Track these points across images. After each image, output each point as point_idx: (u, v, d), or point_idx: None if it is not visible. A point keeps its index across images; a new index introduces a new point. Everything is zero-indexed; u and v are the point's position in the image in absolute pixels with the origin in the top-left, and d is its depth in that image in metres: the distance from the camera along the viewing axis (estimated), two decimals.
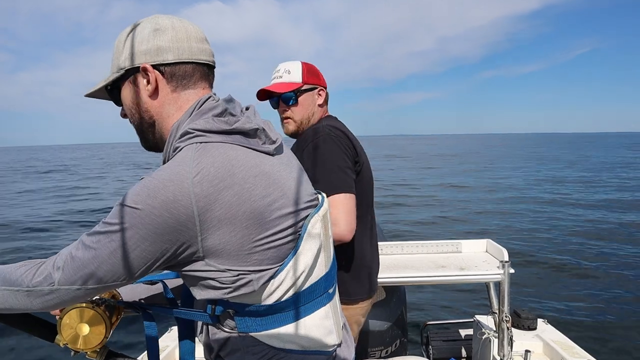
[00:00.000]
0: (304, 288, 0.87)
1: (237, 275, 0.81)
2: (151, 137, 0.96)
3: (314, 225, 0.89)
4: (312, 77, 1.66)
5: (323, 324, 0.91)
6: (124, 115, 0.98)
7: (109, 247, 0.77)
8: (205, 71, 0.94)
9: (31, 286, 0.81)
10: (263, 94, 1.67)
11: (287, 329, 0.87)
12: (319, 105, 1.68)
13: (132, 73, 0.91)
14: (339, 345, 0.97)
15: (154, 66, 0.89)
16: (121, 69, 0.91)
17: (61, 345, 0.99)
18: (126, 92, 0.94)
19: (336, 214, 1.40)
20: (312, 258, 0.87)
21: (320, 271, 0.90)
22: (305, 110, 1.65)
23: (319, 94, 1.67)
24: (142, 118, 0.94)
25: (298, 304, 0.87)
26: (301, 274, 0.86)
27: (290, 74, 1.63)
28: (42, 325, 1.01)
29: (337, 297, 1.00)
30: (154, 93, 0.91)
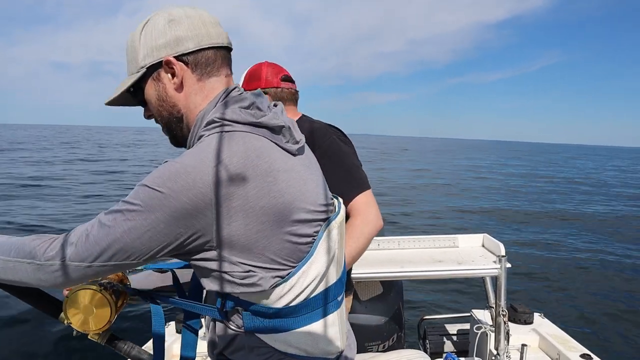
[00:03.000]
0: (314, 294, 0.86)
1: (248, 270, 0.80)
2: (180, 132, 0.94)
3: (331, 231, 0.87)
4: (252, 83, 1.65)
5: (329, 331, 0.90)
6: (148, 117, 0.97)
7: (124, 225, 0.76)
8: (226, 55, 0.93)
9: (43, 260, 0.80)
10: None
11: (294, 333, 0.86)
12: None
13: (153, 70, 0.90)
14: (343, 351, 0.96)
15: (177, 57, 0.88)
16: (142, 67, 0.89)
17: (65, 323, 0.99)
18: (150, 90, 0.92)
19: (369, 208, 1.47)
20: (325, 265, 0.86)
21: (331, 278, 0.89)
22: None
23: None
24: (171, 114, 0.92)
25: (307, 310, 0.86)
26: (313, 280, 0.84)
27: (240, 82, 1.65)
28: (49, 301, 1.02)
29: (344, 304, 0.98)
30: (180, 85, 0.89)
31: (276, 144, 0.84)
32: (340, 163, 1.50)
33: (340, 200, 1.00)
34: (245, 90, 1.70)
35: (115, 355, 1.10)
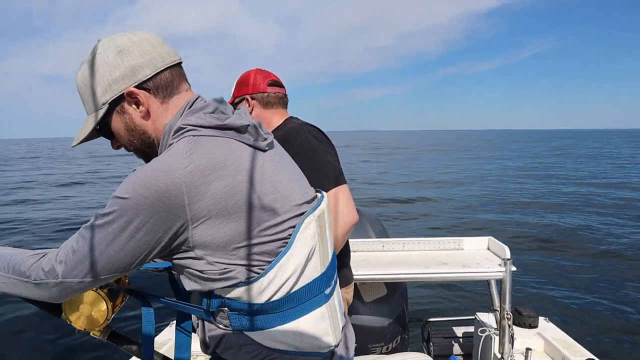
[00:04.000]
0: (296, 288, 0.86)
1: (224, 267, 0.81)
2: (155, 155, 0.95)
3: (308, 225, 0.88)
4: (241, 89, 1.70)
5: (318, 325, 0.90)
6: (117, 147, 0.98)
7: (106, 238, 0.79)
8: (180, 71, 0.95)
9: (38, 279, 0.83)
10: None
11: (280, 329, 0.86)
12: (250, 112, 1.69)
13: (116, 104, 0.90)
14: (336, 346, 0.96)
15: (137, 87, 0.88)
16: (104, 104, 0.90)
17: (68, 322, 1.03)
18: (117, 123, 0.93)
19: (343, 202, 1.49)
20: (304, 258, 0.86)
21: (314, 272, 0.89)
22: None
23: (249, 103, 1.69)
24: (142, 141, 0.94)
25: (291, 304, 0.86)
26: (292, 274, 0.85)
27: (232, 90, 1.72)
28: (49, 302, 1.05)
29: (336, 298, 0.98)
30: (147, 113, 0.90)
31: (245, 143, 0.86)
32: (311, 159, 1.50)
33: (324, 193, 1.01)
34: (233, 96, 1.63)
35: (116, 351, 1.13)
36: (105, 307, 1.02)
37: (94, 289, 1.00)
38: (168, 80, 0.91)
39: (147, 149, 0.96)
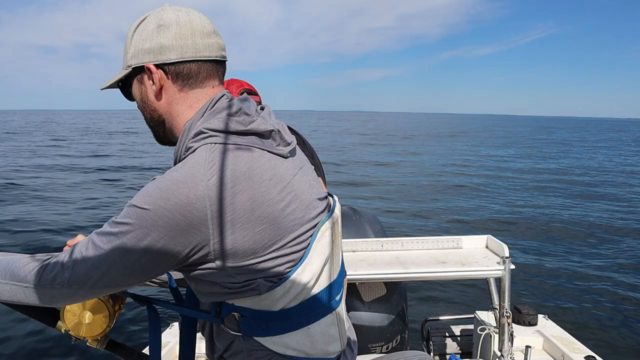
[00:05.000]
0: (310, 295, 0.85)
1: (245, 279, 0.80)
2: (162, 133, 0.95)
3: (324, 233, 0.87)
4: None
5: (328, 332, 0.90)
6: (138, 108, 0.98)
7: (120, 249, 0.75)
8: (213, 68, 0.91)
9: (40, 284, 0.80)
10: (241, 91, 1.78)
11: (292, 335, 0.86)
12: None
13: (139, 71, 0.90)
14: (343, 351, 0.96)
15: (158, 66, 0.87)
16: (128, 66, 0.90)
17: (62, 331, 0.98)
18: (136, 89, 0.93)
19: None
20: (320, 266, 0.86)
21: (327, 279, 0.89)
22: None
23: None
24: (152, 117, 0.93)
25: (304, 312, 0.86)
26: (308, 282, 0.84)
27: None
28: (44, 311, 1.01)
29: (343, 304, 0.98)
30: (160, 93, 0.89)
31: (267, 150, 0.84)
32: (318, 162, 1.68)
33: (336, 198, 1.00)
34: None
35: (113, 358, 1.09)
36: (107, 314, 0.98)
37: None
38: (193, 71, 0.88)
39: (155, 125, 0.95)
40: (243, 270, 0.79)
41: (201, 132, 0.83)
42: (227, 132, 0.82)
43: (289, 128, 1.65)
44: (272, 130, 0.85)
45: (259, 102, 1.78)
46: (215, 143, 0.81)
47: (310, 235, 0.85)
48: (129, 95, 0.96)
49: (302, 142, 1.68)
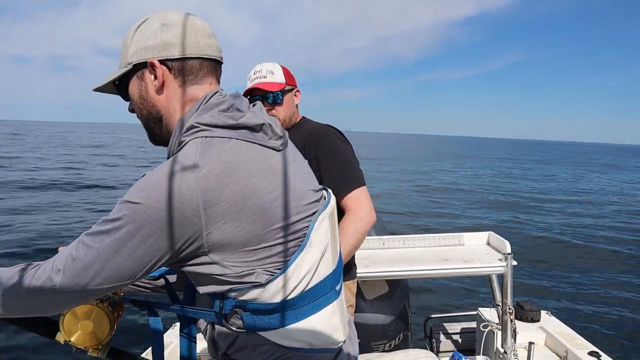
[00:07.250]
0: (311, 286, 0.86)
1: (242, 270, 0.80)
2: (158, 131, 0.95)
3: (321, 222, 0.88)
4: (291, 79, 1.77)
5: (330, 322, 0.90)
6: (131, 110, 0.98)
7: (113, 245, 0.75)
8: (213, 66, 0.94)
9: (31, 291, 0.78)
10: (246, 93, 1.73)
11: (295, 327, 0.86)
12: (296, 106, 1.80)
13: (139, 68, 0.91)
14: (344, 341, 0.96)
15: (161, 61, 0.89)
16: (129, 64, 0.91)
17: (62, 342, 0.97)
18: (134, 87, 0.93)
19: (362, 203, 1.57)
20: (319, 256, 0.86)
21: (327, 269, 0.90)
22: (288, 109, 1.74)
23: (296, 95, 1.79)
24: (150, 113, 0.94)
25: (305, 302, 0.86)
26: (308, 272, 0.85)
27: (273, 74, 1.72)
28: (42, 323, 0.99)
29: (342, 294, 0.99)
30: (161, 88, 0.90)
31: (258, 143, 0.85)
32: (337, 160, 1.62)
33: (329, 190, 1.01)
34: (286, 83, 1.67)
35: None
36: (108, 321, 0.98)
37: (95, 302, 0.97)
38: (194, 68, 0.90)
39: (152, 122, 0.95)
40: (238, 261, 0.79)
41: (193, 127, 0.84)
42: (218, 126, 0.84)
43: (331, 126, 1.69)
44: (263, 124, 0.87)
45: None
46: (206, 137, 0.82)
47: (306, 226, 0.86)
48: (123, 95, 0.97)
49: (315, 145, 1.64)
